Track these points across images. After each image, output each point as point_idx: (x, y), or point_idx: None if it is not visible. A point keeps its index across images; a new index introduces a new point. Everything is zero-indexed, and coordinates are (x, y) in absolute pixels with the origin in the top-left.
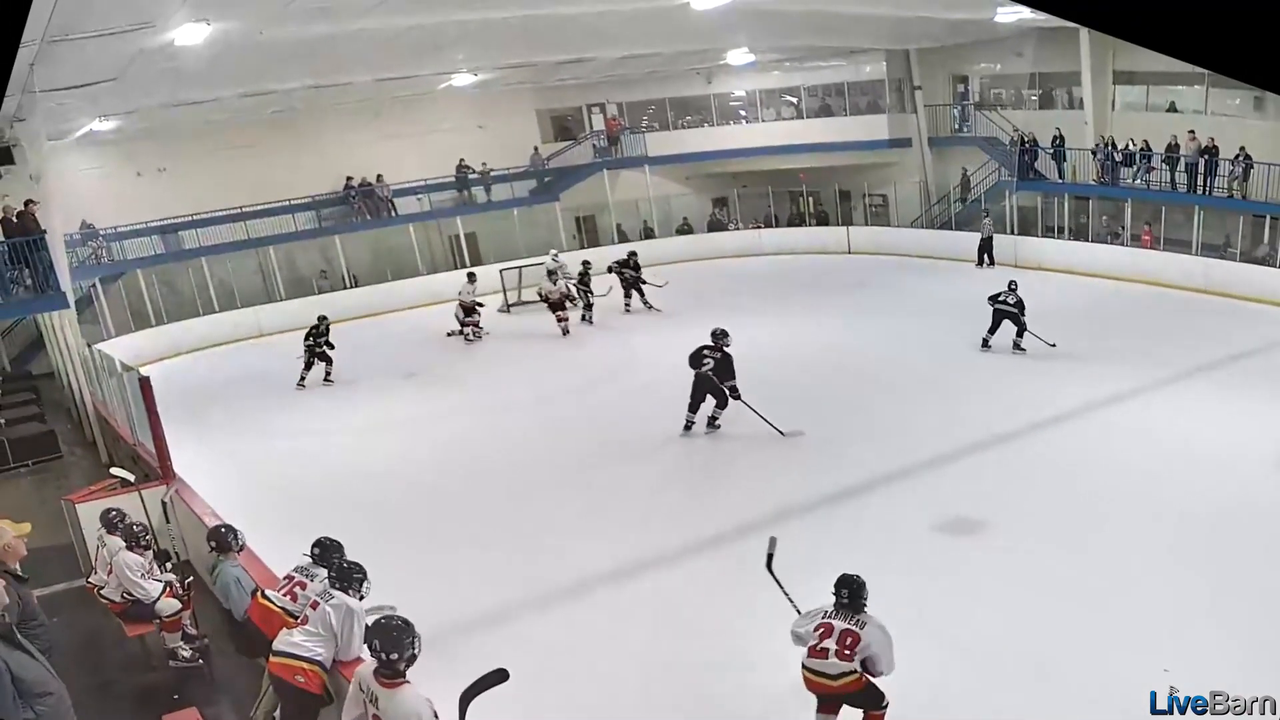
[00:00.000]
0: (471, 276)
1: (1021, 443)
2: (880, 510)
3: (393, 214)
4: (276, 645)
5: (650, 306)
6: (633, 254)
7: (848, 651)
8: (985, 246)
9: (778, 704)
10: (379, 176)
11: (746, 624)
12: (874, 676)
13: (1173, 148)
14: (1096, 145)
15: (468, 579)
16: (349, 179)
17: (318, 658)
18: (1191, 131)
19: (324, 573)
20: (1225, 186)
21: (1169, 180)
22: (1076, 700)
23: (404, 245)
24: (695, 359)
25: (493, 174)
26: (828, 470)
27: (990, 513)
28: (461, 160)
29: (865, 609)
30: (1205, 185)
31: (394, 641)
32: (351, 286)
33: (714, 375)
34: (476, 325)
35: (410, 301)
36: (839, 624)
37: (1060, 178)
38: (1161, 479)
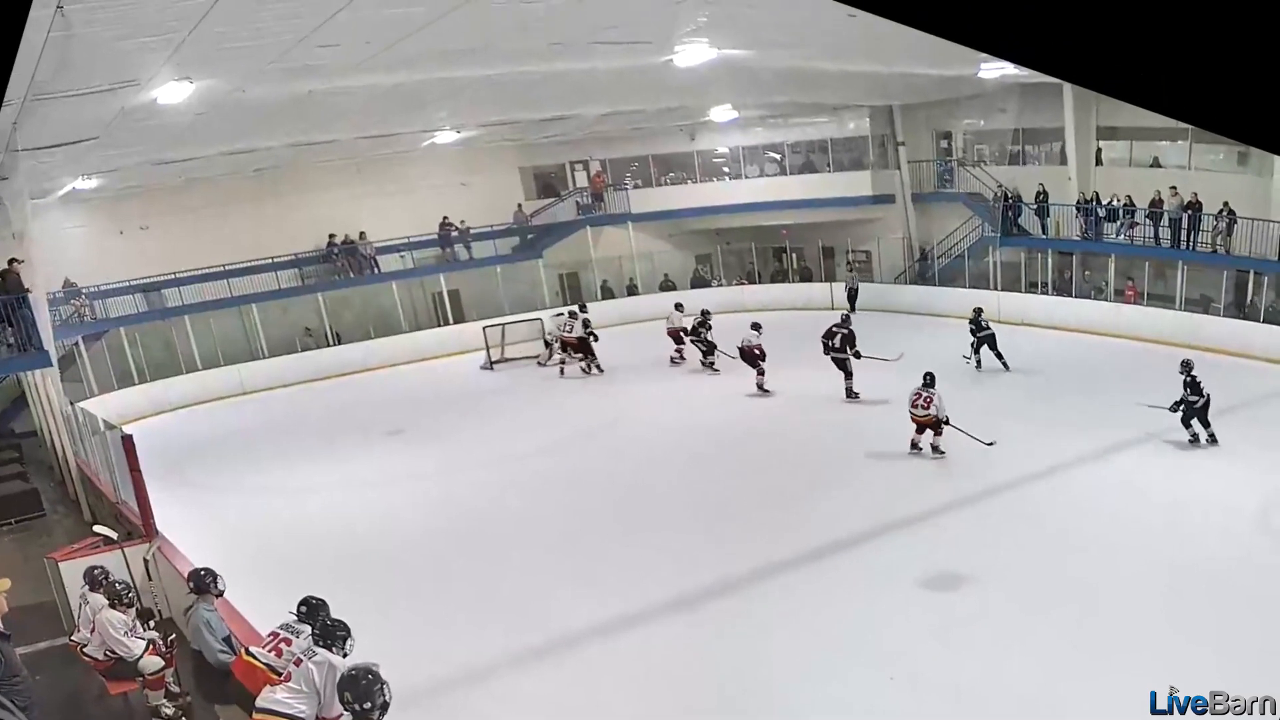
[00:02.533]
0: (679, 306)
1: (1008, 498)
2: (866, 565)
3: (375, 271)
4: (259, 702)
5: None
6: (706, 313)
7: (927, 405)
8: (852, 296)
9: None
10: (362, 234)
11: (730, 680)
12: (940, 416)
13: (1156, 203)
14: (1080, 201)
15: (454, 636)
16: (331, 236)
17: (301, 715)
18: (1174, 187)
19: (308, 630)
20: (1209, 242)
21: (1153, 235)
22: None
23: (387, 303)
24: (976, 321)
25: (475, 231)
26: (811, 526)
27: (977, 567)
28: (445, 218)
29: (934, 387)
30: (1189, 240)
31: (364, 691)
32: (335, 344)
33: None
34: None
35: (394, 359)
36: (924, 393)
37: (1044, 233)
38: (1148, 534)
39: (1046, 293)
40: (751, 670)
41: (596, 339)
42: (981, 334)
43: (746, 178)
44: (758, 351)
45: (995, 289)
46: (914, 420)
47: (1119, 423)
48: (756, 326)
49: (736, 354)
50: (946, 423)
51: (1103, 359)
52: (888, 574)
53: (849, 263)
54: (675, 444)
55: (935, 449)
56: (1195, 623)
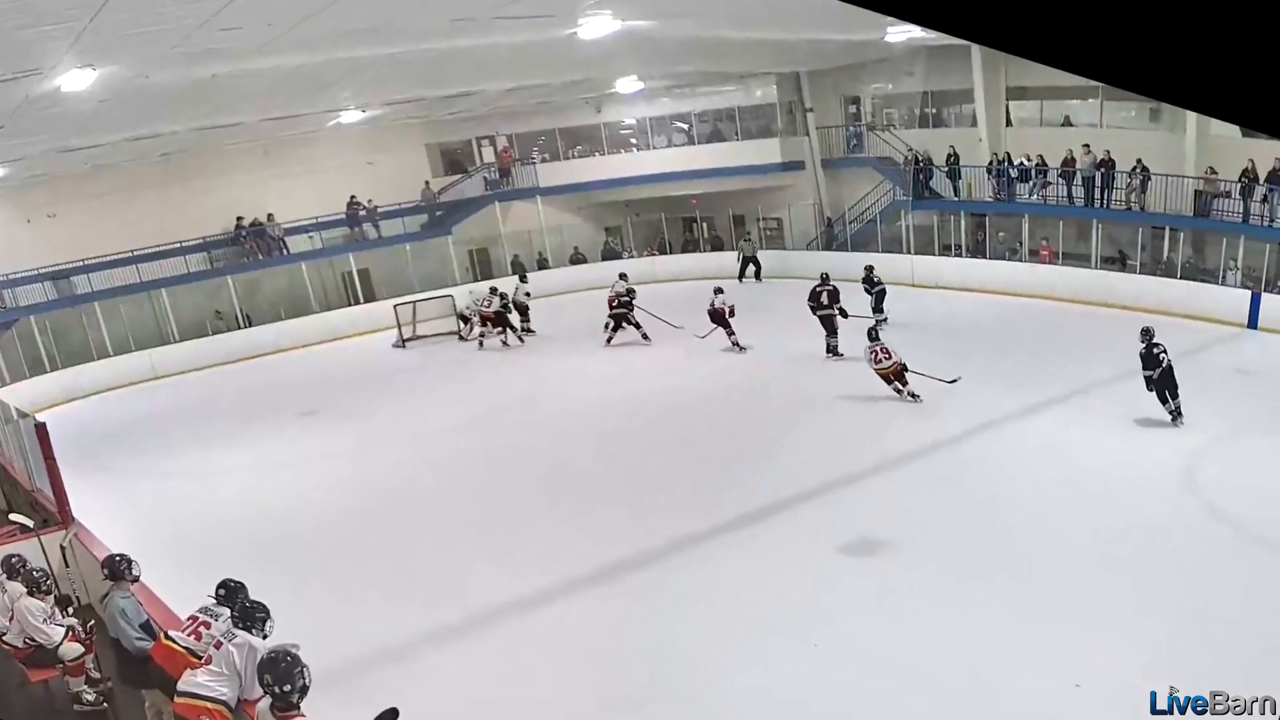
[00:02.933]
0: (624, 276)
1: (925, 462)
2: (786, 534)
3: (284, 253)
4: (181, 686)
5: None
6: (632, 291)
7: (887, 355)
8: (746, 265)
9: None
10: (270, 216)
11: (645, 657)
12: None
13: (1068, 162)
14: (991, 162)
15: (370, 615)
16: (239, 219)
17: (222, 697)
18: (1086, 145)
19: (227, 613)
20: (1123, 199)
21: (1066, 195)
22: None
23: (298, 284)
24: (869, 279)
25: (383, 210)
26: (729, 495)
27: (898, 532)
28: (353, 197)
29: (880, 339)
30: (1103, 198)
31: (284, 674)
32: (245, 326)
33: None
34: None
35: (306, 339)
36: (878, 345)
37: (956, 195)
38: (1066, 494)
39: (960, 255)
40: (672, 641)
41: (512, 310)
42: (875, 289)
43: (654, 148)
44: (728, 312)
45: (909, 253)
46: (880, 375)
47: (1037, 383)
48: (719, 290)
49: (707, 319)
50: (906, 370)
51: (1019, 320)
52: (813, 539)
53: (745, 232)
54: (594, 417)
55: (913, 395)
56: (1130, 583)
